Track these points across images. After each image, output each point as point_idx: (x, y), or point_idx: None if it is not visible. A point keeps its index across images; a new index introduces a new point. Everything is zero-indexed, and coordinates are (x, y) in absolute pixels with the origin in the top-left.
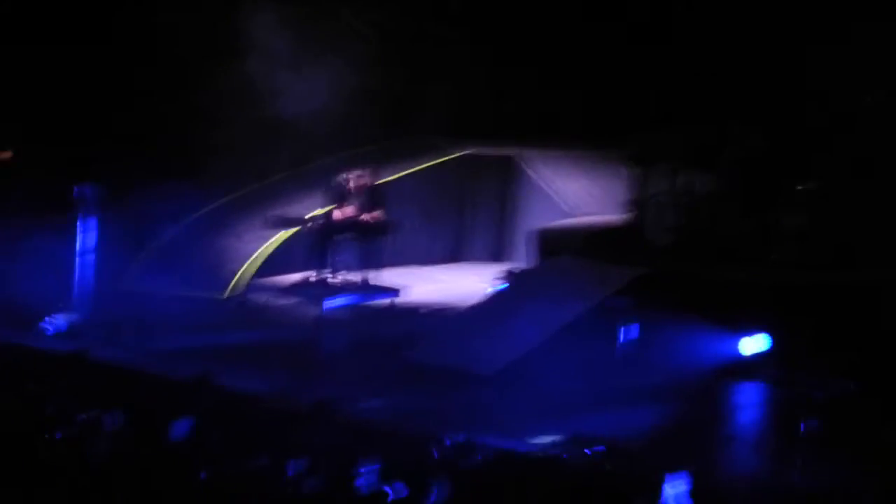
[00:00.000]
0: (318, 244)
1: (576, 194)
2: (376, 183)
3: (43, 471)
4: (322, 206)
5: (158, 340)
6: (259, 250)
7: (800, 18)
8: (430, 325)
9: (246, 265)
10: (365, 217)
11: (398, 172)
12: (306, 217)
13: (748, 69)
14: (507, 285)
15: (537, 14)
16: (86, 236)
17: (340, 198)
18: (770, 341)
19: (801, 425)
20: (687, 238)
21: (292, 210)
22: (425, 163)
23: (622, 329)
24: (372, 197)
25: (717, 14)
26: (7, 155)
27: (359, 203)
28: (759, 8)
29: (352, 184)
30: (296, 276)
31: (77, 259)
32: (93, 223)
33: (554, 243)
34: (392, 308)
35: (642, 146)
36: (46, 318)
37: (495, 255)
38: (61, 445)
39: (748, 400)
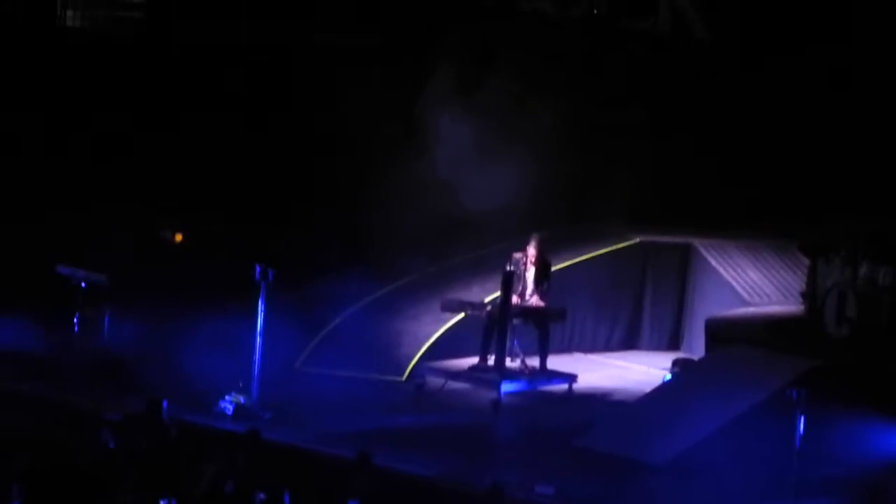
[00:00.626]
0: (493, 329)
1: (754, 283)
2: (549, 259)
3: None
4: (497, 291)
5: (334, 422)
6: (437, 333)
7: None
8: (604, 412)
9: (424, 348)
10: (541, 302)
11: (574, 258)
12: (485, 301)
13: None
14: (681, 374)
15: (718, 105)
16: (264, 317)
17: (517, 280)
18: None
19: None
20: (866, 330)
21: (468, 294)
22: (601, 249)
23: (798, 421)
24: (542, 269)
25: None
26: (179, 237)
27: (531, 279)
28: None
29: (529, 258)
30: (470, 360)
31: (256, 339)
32: (269, 304)
33: (729, 332)
34: (568, 395)
35: (822, 235)
36: (226, 398)
37: (671, 344)
38: None
39: None
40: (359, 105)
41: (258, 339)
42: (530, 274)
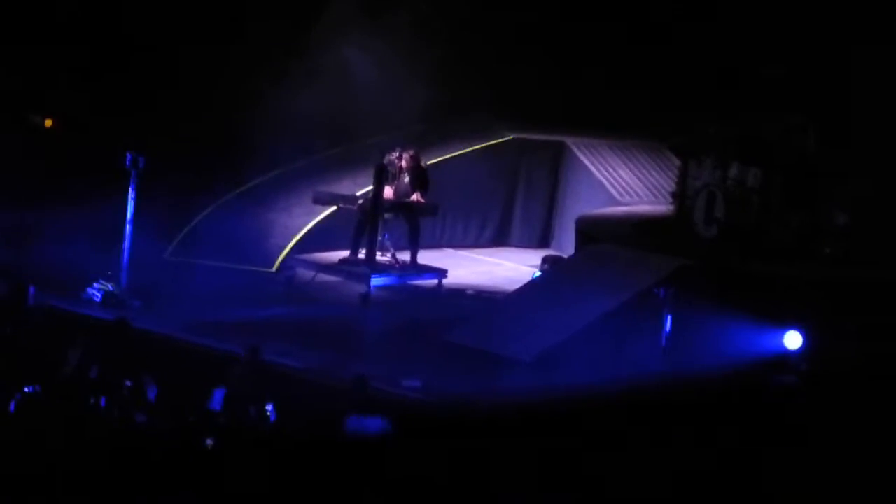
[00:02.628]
0: (365, 222)
1: (625, 183)
2: (425, 163)
3: (86, 433)
4: (370, 185)
5: (203, 312)
6: (308, 225)
7: (851, 18)
8: (473, 308)
9: (294, 240)
10: (414, 197)
11: (448, 153)
12: (357, 194)
13: (796, 62)
14: (550, 271)
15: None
16: (132, 205)
17: (389, 176)
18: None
19: None
20: (733, 230)
21: (340, 187)
22: (475, 145)
23: (664, 319)
24: (419, 176)
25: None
26: (49, 122)
27: (407, 181)
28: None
29: (402, 163)
30: (342, 253)
31: (126, 227)
32: (136, 193)
33: (598, 230)
34: (438, 290)
35: (692, 137)
36: (94, 285)
37: (542, 241)
38: (106, 410)
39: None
40: None
41: (128, 227)
42: (403, 180)
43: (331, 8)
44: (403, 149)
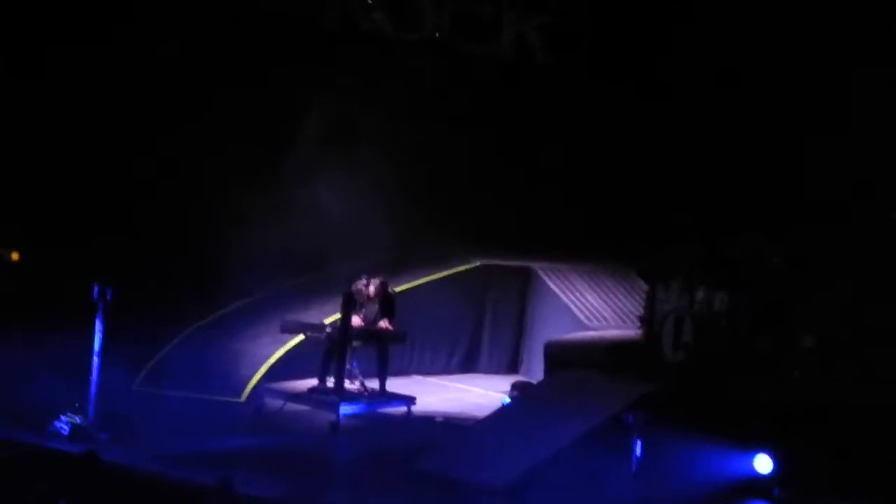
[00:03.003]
0: (333, 350)
1: (593, 307)
2: (392, 290)
3: None
4: (338, 313)
5: (173, 443)
6: (276, 354)
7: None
8: (442, 435)
9: (262, 369)
10: (382, 325)
11: (415, 280)
12: (325, 322)
13: (755, 180)
14: (519, 397)
15: (551, 130)
16: (100, 337)
17: (357, 304)
18: (776, 462)
19: None
20: (701, 355)
21: (308, 315)
22: (443, 272)
23: (634, 444)
24: (387, 304)
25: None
26: (16, 255)
27: (375, 309)
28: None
29: (370, 290)
30: (310, 382)
31: (93, 359)
32: (104, 325)
33: (567, 356)
34: (407, 417)
35: (657, 261)
36: (61, 418)
37: (510, 367)
38: None
39: None
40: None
41: (95, 359)
42: (371, 309)
43: (298, 141)
44: (371, 276)
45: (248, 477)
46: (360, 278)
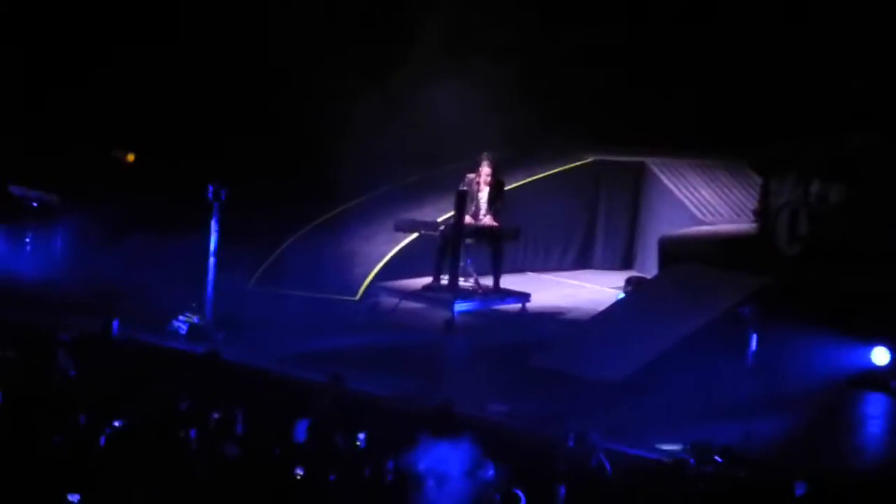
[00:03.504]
0: (447, 248)
1: (707, 202)
2: (502, 181)
3: (178, 466)
4: (451, 210)
5: (288, 342)
6: (390, 253)
7: None
8: (558, 331)
9: (377, 267)
10: (494, 222)
11: (528, 177)
12: (438, 220)
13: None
14: (633, 293)
15: (668, 22)
16: (215, 237)
17: (469, 201)
18: (894, 354)
19: None
20: (817, 248)
21: (421, 213)
22: (555, 168)
23: (749, 338)
24: (498, 191)
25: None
26: (132, 157)
27: (485, 197)
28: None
29: (482, 173)
30: (425, 280)
31: (209, 259)
32: (219, 225)
33: (681, 250)
34: (521, 314)
35: (774, 155)
36: (179, 318)
37: (625, 262)
38: (197, 442)
39: (876, 411)
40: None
41: (211, 259)
42: (483, 194)
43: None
44: (482, 160)
45: (363, 375)
46: (471, 173)
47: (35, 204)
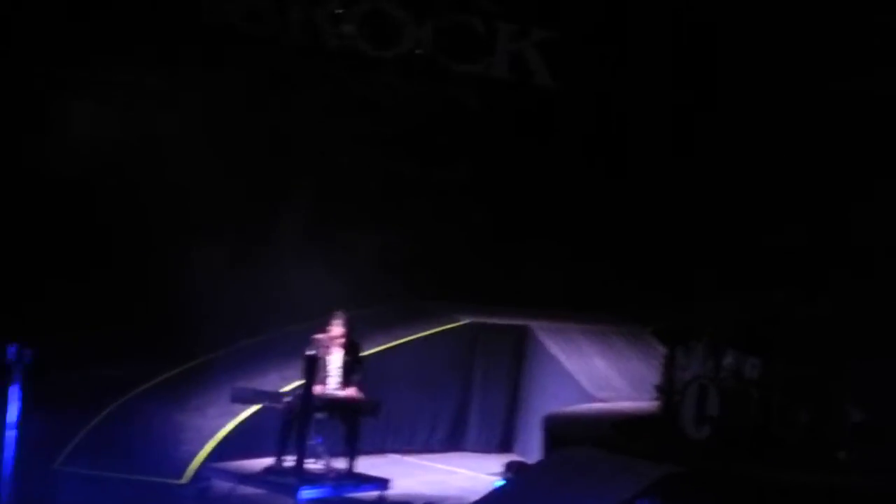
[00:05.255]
0: (292, 423)
1: (602, 375)
2: (357, 343)
3: None
4: (297, 379)
5: None
6: (224, 428)
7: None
8: None
9: (208, 445)
10: (351, 393)
11: (390, 341)
12: (282, 391)
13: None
14: (514, 480)
15: (551, 178)
16: (17, 406)
17: (320, 368)
18: None
19: None
20: (730, 431)
21: (263, 382)
22: (423, 331)
23: None
24: (354, 359)
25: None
26: None
27: (339, 365)
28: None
29: (330, 341)
30: (265, 461)
31: (8, 433)
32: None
33: (571, 431)
34: (380, 503)
35: (677, 320)
36: None
37: (504, 444)
38: None
39: None
40: None
41: (11, 433)
42: (336, 358)
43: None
44: (333, 319)
45: None
46: (320, 332)
47: None
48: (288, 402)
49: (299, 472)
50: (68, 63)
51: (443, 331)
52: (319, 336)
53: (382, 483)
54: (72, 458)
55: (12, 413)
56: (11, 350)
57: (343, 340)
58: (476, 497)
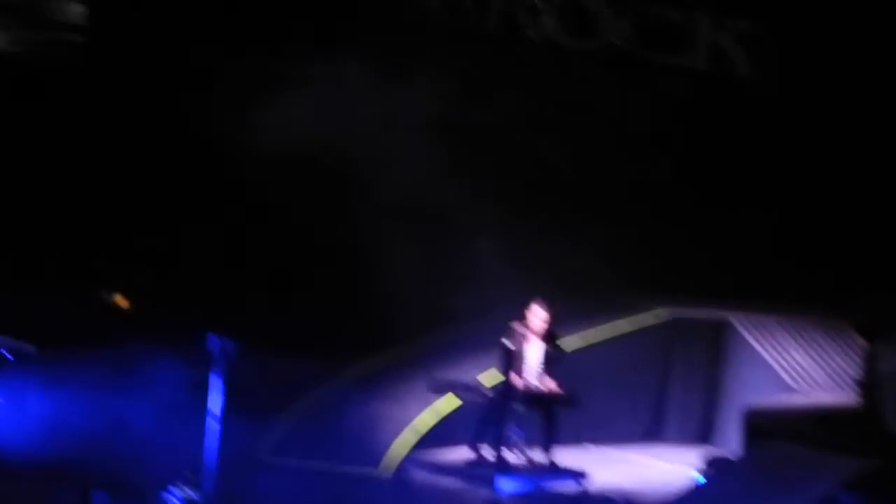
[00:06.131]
0: (492, 415)
1: (800, 367)
2: (558, 334)
3: None
4: (494, 369)
5: None
6: (425, 419)
7: None
8: None
9: (406, 436)
10: (550, 385)
11: (589, 339)
12: (481, 381)
13: None
14: (715, 476)
15: (758, 166)
16: (218, 396)
17: (517, 359)
18: None
19: None
20: None
21: (459, 372)
22: (621, 326)
23: None
24: (554, 349)
25: None
26: (125, 304)
27: (537, 357)
28: None
29: (530, 332)
30: (464, 452)
31: (211, 423)
32: (223, 381)
33: (770, 424)
34: (578, 495)
35: (878, 312)
36: (171, 489)
37: (702, 435)
38: None
39: None
40: None
41: (214, 424)
42: (535, 349)
43: None
44: (532, 309)
45: None
46: (519, 320)
47: (9, 356)
48: (485, 393)
49: (498, 464)
50: (274, 56)
51: (640, 323)
52: (517, 326)
53: (581, 475)
54: (275, 450)
55: (215, 405)
56: (215, 341)
57: (543, 331)
58: (676, 491)
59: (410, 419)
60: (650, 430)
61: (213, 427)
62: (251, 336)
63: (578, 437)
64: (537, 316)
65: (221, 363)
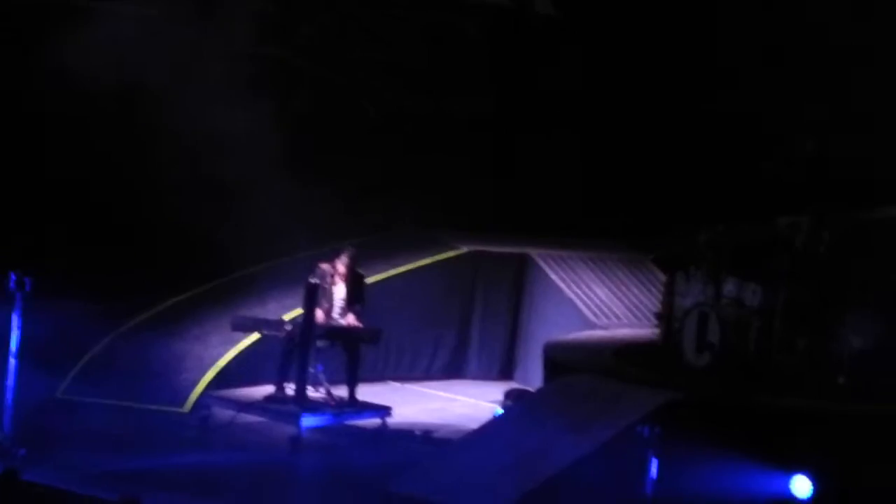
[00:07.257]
0: (294, 351)
1: (603, 302)
2: (362, 274)
3: None
4: (298, 307)
5: (102, 460)
6: (225, 356)
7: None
8: (422, 452)
9: (209, 374)
10: (349, 319)
11: (390, 270)
12: (284, 318)
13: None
14: (514, 408)
15: (554, 98)
16: (17, 335)
17: (322, 297)
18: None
19: None
20: (730, 358)
21: (264, 311)
22: (423, 260)
23: (650, 463)
24: (355, 285)
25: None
26: None
27: (341, 293)
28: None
29: (338, 266)
30: (267, 389)
31: (11, 361)
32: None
33: (571, 359)
34: (381, 430)
35: (678, 248)
36: None
37: (504, 372)
38: None
39: None
40: None
41: (12, 361)
42: (339, 290)
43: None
44: (339, 252)
45: (191, 501)
46: (327, 261)
47: None
48: (288, 331)
49: (300, 400)
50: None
51: (443, 259)
52: (324, 265)
53: (383, 410)
54: (73, 386)
55: (13, 341)
56: (12, 277)
57: (346, 272)
58: (476, 425)
59: (214, 358)
60: (453, 367)
61: (12, 365)
62: (51, 279)
63: (382, 373)
64: (342, 255)
65: (20, 300)
